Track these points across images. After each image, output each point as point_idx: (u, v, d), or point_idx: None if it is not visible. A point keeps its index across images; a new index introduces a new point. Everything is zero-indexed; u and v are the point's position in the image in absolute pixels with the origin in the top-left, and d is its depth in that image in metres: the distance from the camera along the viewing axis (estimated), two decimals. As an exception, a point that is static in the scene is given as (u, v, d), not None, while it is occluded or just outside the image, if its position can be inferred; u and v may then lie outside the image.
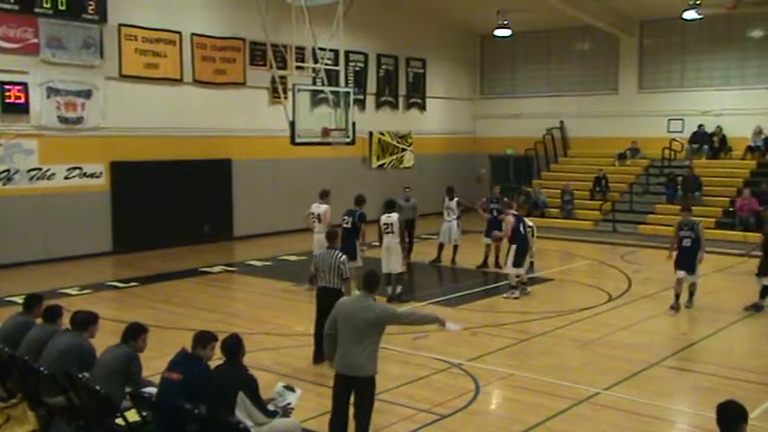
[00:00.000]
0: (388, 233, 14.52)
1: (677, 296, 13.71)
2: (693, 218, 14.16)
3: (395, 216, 14.62)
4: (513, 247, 14.85)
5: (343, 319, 7.23)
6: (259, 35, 19.20)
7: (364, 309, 7.17)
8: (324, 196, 15.63)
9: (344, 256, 10.52)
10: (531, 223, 16.84)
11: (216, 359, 7.09)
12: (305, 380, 9.45)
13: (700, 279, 14.18)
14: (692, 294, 14.08)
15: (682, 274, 13.74)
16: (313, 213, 15.51)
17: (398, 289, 14.46)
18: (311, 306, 10.63)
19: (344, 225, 14.74)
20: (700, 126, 25.55)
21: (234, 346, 6.95)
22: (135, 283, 16.34)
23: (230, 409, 6.62)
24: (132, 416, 6.97)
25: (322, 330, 10.37)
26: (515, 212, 15.36)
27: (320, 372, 10.09)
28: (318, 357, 10.48)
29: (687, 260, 13.81)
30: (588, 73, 28.74)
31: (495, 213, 17.62)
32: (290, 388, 7.42)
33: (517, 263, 14.80)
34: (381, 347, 11.17)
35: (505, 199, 16.77)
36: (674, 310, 13.69)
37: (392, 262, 14.41)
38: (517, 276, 14.86)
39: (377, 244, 15.69)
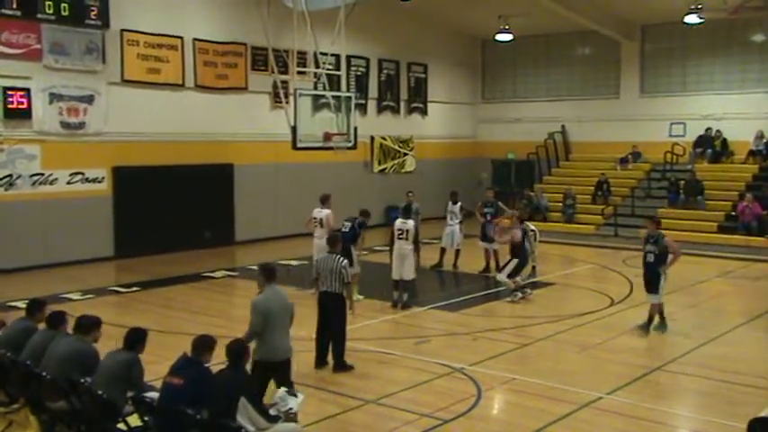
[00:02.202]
0: (401, 239, 14.43)
1: (650, 317, 12.61)
2: (661, 230, 12.94)
3: (411, 223, 14.55)
4: (515, 261, 14.88)
5: (274, 315, 8.16)
6: (261, 40, 19.24)
7: (284, 299, 8.42)
8: (324, 201, 15.60)
9: (346, 261, 10.55)
10: (533, 227, 16.85)
11: (217, 363, 7.09)
12: (307, 384, 9.44)
13: (662, 299, 12.61)
14: (660, 316, 12.60)
15: (651, 298, 12.60)
16: (315, 218, 15.50)
17: (405, 297, 14.37)
18: (312, 311, 10.63)
19: (343, 230, 14.75)
20: (707, 129, 25.54)
21: (238, 351, 6.99)
22: (137, 288, 16.34)
23: (232, 413, 6.64)
24: (134, 420, 6.98)
25: (323, 335, 10.44)
26: (522, 226, 15.28)
27: (322, 376, 10.10)
28: (320, 362, 10.49)
29: (648, 277, 12.52)
30: (589, 77, 28.76)
31: (488, 218, 17.61)
32: (292, 393, 7.43)
33: (513, 275, 14.85)
34: (383, 352, 11.21)
35: (516, 215, 16.42)
36: (641, 329, 12.48)
37: (405, 268, 14.28)
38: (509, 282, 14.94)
39: (384, 249, 15.66)
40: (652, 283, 12.45)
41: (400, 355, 11.15)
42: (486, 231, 17.63)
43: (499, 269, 17.46)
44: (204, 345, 7.07)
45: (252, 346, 7.97)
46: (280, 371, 8.13)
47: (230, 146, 22.07)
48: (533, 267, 16.85)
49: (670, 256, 12.38)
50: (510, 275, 14.86)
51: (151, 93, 20.32)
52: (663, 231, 12.84)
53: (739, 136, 24.99)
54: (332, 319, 10.41)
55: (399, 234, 14.47)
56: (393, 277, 14.44)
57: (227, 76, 22.03)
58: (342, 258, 10.49)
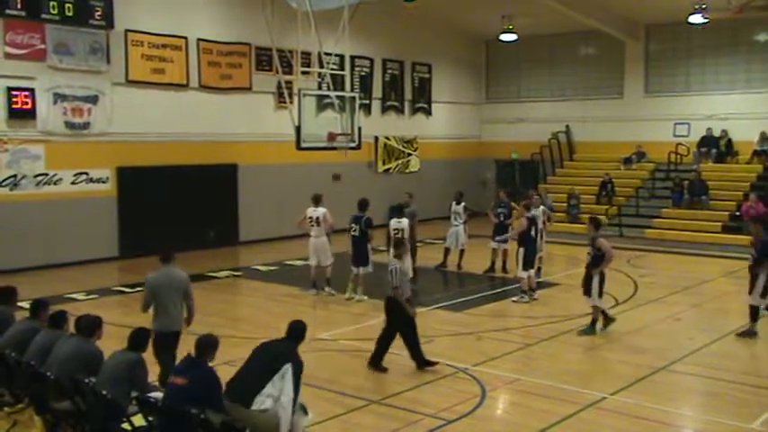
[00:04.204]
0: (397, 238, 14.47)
1: (593, 321, 12.43)
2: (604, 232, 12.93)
3: (405, 222, 14.61)
4: (521, 250, 14.81)
5: (163, 291, 9.02)
6: (265, 40, 19.25)
7: (175, 277, 9.19)
8: (318, 201, 15.59)
9: (397, 266, 10.42)
10: (542, 226, 16.79)
11: (220, 363, 7.08)
12: (311, 384, 9.42)
13: (601, 302, 12.38)
14: (593, 322, 12.39)
15: (588, 300, 12.44)
16: (311, 218, 15.49)
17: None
18: (316, 311, 10.65)
19: (353, 233, 14.78)
20: (708, 129, 25.52)
21: (299, 331, 7.46)
22: (141, 288, 16.22)
23: (267, 377, 6.86)
24: (138, 421, 6.99)
25: (383, 338, 10.41)
26: (529, 215, 15.20)
27: (326, 377, 10.09)
28: (376, 361, 10.47)
29: (585, 280, 12.41)
30: (594, 77, 28.72)
31: (501, 218, 17.54)
32: (303, 410, 7.38)
33: (526, 266, 14.77)
34: (387, 352, 11.19)
35: (522, 203, 16.44)
36: (602, 329, 12.40)
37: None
38: (523, 279, 14.86)
39: (383, 249, 15.71)
40: (587, 285, 12.30)
41: (404, 355, 11.13)
42: (498, 232, 17.56)
43: (505, 269, 17.55)
44: (207, 345, 7.08)
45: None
46: (170, 339, 8.95)
47: (234, 146, 22.09)
48: (539, 268, 16.81)
49: (605, 257, 12.20)
50: (525, 267, 14.77)
51: (155, 93, 20.35)
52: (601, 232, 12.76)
53: (744, 136, 24.93)
54: (392, 323, 10.46)
55: (396, 234, 14.54)
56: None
57: (232, 77, 22.05)
58: (394, 262, 10.48)
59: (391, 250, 11.71)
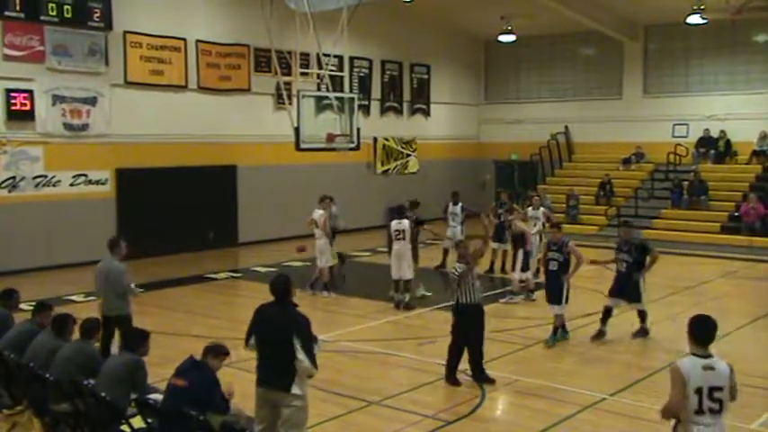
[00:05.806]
0: (399, 239, 14.48)
1: (555, 329, 11.99)
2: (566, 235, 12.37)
3: (406, 222, 14.61)
4: (521, 251, 14.87)
5: (100, 277, 10.01)
6: (264, 41, 19.26)
7: (112, 267, 10.02)
8: (320, 202, 15.68)
9: (456, 267, 10.18)
10: (542, 227, 16.85)
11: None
12: (310, 384, 9.41)
13: (565, 310, 11.91)
14: (556, 329, 11.88)
15: (555, 309, 11.83)
16: (313, 219, 15.57)
17: (407, 296, 14.43)
18: (315, 312, 10.62)
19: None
20: (705, 130, 25.55)
21: (283, 287, 6.92)
22: (139, 290, 16.21)
23: (290, 343, 6.58)
24: (138, 422, 6.98)
25: (459, 344, 10.10)
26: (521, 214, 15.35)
27: (325, 378, 10.09)
28: (479, 376, 10.08)
29: (551, 287, 11.82)
30: (592, 78, 28.75)
31: (502, 219, 17.60)
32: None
33: (525, 267, 14.80)
34: (387, 353, 11.20)
35: (515, 206, 16.68)
36: (547, 344, 11.81)
37: (403, 268, 14.37)
38: (523, 282, 14.88)
39: (383, 249, 15.73)
40: (554, 293, 11.78)
41: (404, 357, 11.14)
42: (500, 233, 17.62)
43: (504, 270, 17.58)
44: (215, 351, 7.12)
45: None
46: (117, 324, 9.70)
47: (233, 147, 22.08)
48: (537, 269, 16.82)
49: (572, 264, 11.71)
50: (523, 269, 14.81)
51: (154, 94, 20.35)
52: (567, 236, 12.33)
53: (743, 136, 24.95)
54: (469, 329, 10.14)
55: (396, 235, 14.54)
56: (393, 277, 14.51)
57: (231, 78, 22.05)
58: (454, 267, 10.20)
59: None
